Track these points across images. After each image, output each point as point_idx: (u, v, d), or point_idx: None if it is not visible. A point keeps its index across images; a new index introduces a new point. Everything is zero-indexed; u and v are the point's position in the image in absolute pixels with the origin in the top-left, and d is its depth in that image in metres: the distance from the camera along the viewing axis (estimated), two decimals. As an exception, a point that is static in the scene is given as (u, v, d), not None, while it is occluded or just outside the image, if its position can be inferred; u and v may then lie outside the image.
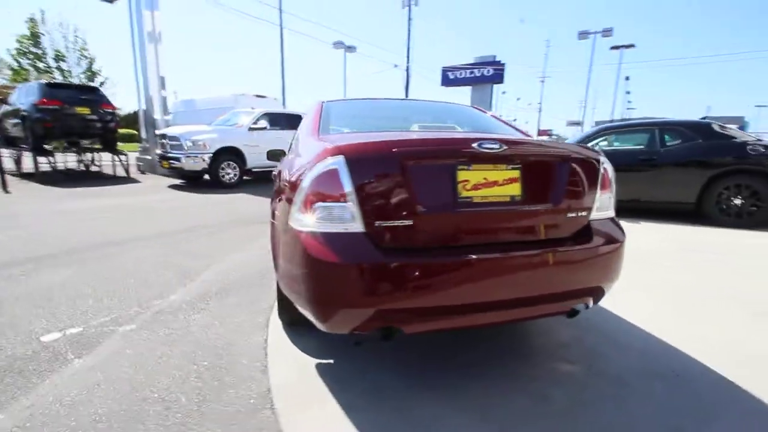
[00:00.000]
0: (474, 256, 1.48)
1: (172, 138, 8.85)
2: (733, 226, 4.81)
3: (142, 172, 11.38)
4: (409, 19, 28.12)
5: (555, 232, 1.68)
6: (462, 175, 1.55)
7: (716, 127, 5.37)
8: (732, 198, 4.90)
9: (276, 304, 2.51)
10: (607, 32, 21.83)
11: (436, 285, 1.47)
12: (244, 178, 9.41)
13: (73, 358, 1.99)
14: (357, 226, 1.47)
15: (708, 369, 1.89)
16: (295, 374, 1.86)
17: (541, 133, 51.06)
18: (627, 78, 26.78)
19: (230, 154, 9.02)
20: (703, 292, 2.88)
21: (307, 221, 1.52)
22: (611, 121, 26.13)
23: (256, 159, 9.36)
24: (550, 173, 1.66)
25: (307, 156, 1.69)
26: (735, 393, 1.71)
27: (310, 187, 1.52)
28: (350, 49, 27.81)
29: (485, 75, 32.98)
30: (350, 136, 2.01)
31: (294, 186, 1.65)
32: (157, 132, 9.88)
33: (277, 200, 1.99)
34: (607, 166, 1.80)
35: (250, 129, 9.29)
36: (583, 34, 22.27)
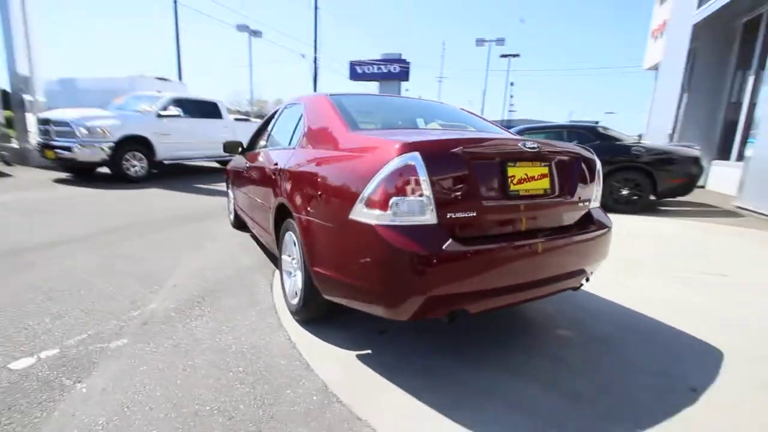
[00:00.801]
0: (524, 242, 1.70)
1: (60, 123, 7.44)
2: (623, 212, 5.98)
3: (8, 164, 9.32)
4: (316, 7, 27.63)
5: (571, 219, 2.00)
6: (510, 171, 1.75)
7: (603, 130, 6.60)
8: (621, 189, 6.08)
9: (283, 302, 2.45)
10: (500, 41, 24.55)
11: (498, 268, 1.65)
12: (153, 171, 8.38)
13: (72, 383, 1.70)
14: (431, 218, 1.57)
15: (659, 322, 2.43)
16: (340, 367, 1.87)
17: None
18: (512, 84, 30.17)
19: (136, 143, 7.94)
20: (623, 263, 3.59)
21: (381, 215, 1.57)
22: (509, 121, 29.29)
23: (167, 150, 8.43)
24: (569, 170, 1.97)
25: (364, 152, 1.73)
26: (685, 338, 2.26)
27: (385, 182, 1.56)
28: (255, 34, 26.19)
29: (392, 72, 34.16)
30: (402, 133, 2.02)
31: (354, 181, 1.67)
32: (39, 116, 8.17)
33: (308, 196, 1.95)
34: (599, 164, 2.18)
35: (159, 116, 8.30)
36: (480, 42, 24.67)
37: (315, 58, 30.18)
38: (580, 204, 2.03)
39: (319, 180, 1.90)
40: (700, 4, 8.61)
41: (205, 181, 8.56)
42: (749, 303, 2.79)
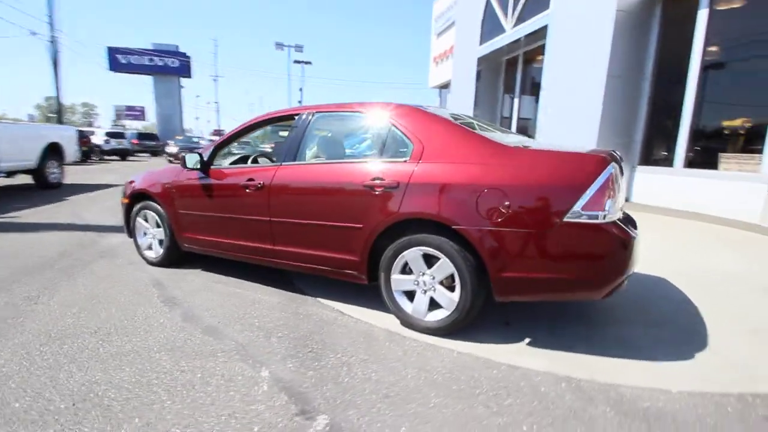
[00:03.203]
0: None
1: None
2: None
3: None
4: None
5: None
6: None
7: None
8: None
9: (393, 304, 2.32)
10: (299, 48, 25.00)
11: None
12: None
13: None
14: (620, 213, 1.99)
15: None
16: (546, 359, 2.05)
17: (215, 133, 50.97)
18: (300, 89, 31.42)
19: None
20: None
21: (599, 215, 1.88)
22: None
23: None
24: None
25: (559, 163, 1.99)
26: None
27: (600, 188, 1.87)
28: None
29: (170, 66, 29.48)
30: (558, 146, 2.26)
31: (563, 190, 1.91)
32: None
33: (488, 208, 2.00)
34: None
35: None
36: (279, 46, 24.47)
37: (53, 38, 22.88)
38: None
39: (507, 192, 1.98)
40: (481, 43, 11.65)
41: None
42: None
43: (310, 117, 2.74)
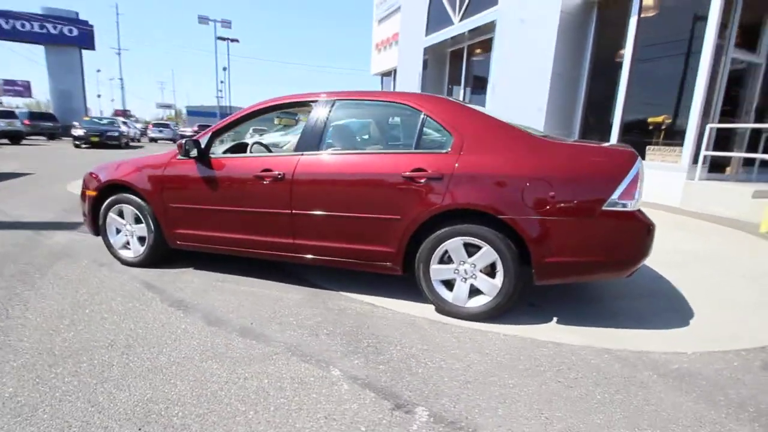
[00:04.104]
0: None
1: None
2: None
3: None
4: None
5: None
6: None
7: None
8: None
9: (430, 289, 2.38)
10: (226, 23, 22.93)
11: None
12: None
13: None
14: (639, 203, 2.25)
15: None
16: (576, 335, 2.25)
17: (117, 113, 45.48)
18: (224, 68, 29.28)
19: None
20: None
21: (631, 203, 2.10)
22: (225, 108, 28.19)
23: None
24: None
25: (594, 157, 2.17)
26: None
27: (632, 180, 2.09)
28: None
29: (67, 35, 25.20)
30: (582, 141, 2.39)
31: (601, 181, 2.10)
32: None
33: (535, 198, 2.12)
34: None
35: None
36: (203, 20, 22.17)
37: None
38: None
39: (551, 182, 2.11)
40: (427, 33, 11.84)
41: None
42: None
43: (330, 105, 2.62)
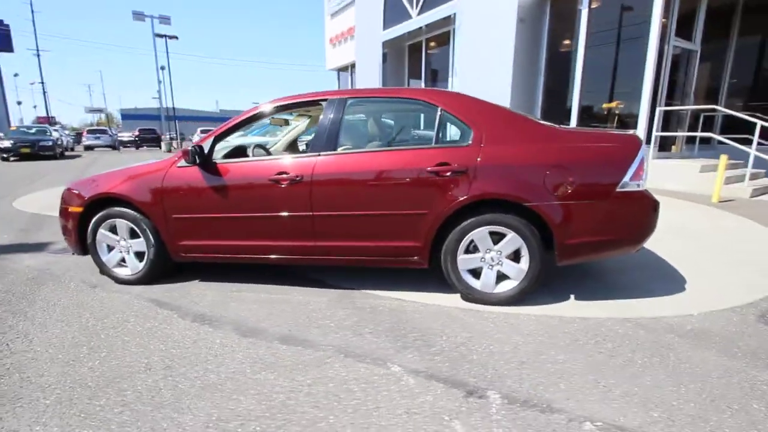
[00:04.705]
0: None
1: None
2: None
3: None
4: None
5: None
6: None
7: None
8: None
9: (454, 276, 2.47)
10: (164, 19, 21.31)
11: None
12: None
13: None
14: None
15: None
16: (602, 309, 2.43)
17: (41, 120, 41.41)
18: (163, 68, 27.56)
19: None
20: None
21: (640, 183, 2.29)
22: (169, 110, 26.60)
23: None
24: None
25: (604, 143, 2.33)
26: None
27: (640, 161, 2.28)
28: None
29: (-24, 34, 22.16)
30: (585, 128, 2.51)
31: (613, 164, 2.27)
32: None
33: (556, 183, 2.25)
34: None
35: None
36: (139, 16, 20.44)
37: None
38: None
39: (570, 168, 2.24)
40: (385, 27, 11.84)
41: None
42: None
43: (343, 103, 2.59)
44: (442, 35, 10.35)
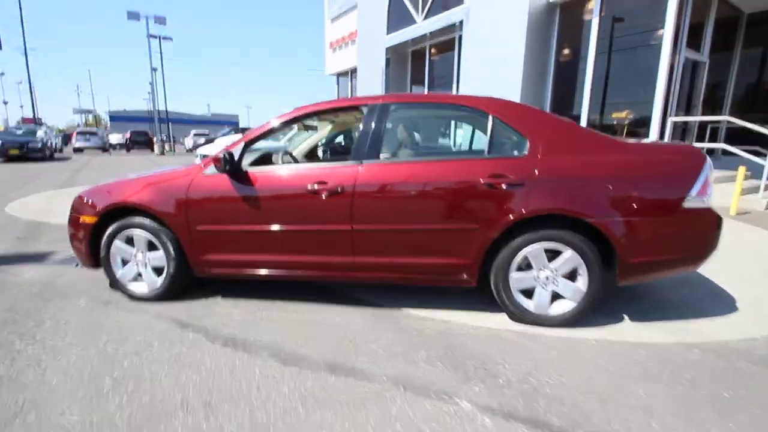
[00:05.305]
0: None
1: None
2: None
3: None
4: None
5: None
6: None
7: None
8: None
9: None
10: (160, 19, 20.88)
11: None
12: None
13: None
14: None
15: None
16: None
17: (26, 121, 40.48)
18: (155, 69, 27.14)
19: None
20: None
21: (705, 200, 2.16)
22: (161, 112, 26.15)
23: None
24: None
25: (667, 156, 2.20)
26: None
27: (705, 177, 2.15)
28: None
29: (-39, 31, 21.39)
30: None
31: (677, 179, 2.13)
32: None
33: (618, 198, 2.11)
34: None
35: None
36: (134, 16, 19.99)
37: None
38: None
39: (634, 181, 2.10)
40: (388, 32, 11.73)
41: None
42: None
43: (386, 109, 2.42)
44: (447, 41, 10.28)
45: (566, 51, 8.12)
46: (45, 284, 2.99)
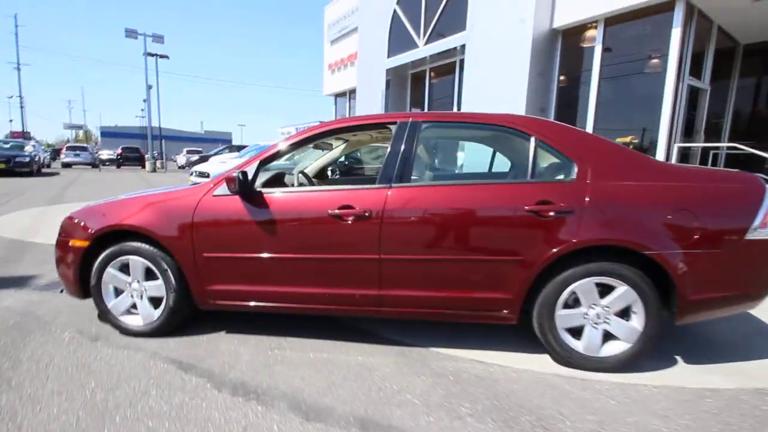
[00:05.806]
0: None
1: None
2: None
3: None
4: None
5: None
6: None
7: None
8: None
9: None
10: (158, 38, 20.84)
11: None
12: None
13: None
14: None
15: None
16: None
17: (15, 135, 39.86)
18: (150, 87, 27.03)
19: None
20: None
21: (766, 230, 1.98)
22: (154, 129, 25.86)
23: None
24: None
25: (725, 183, 2.03)
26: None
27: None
28: None
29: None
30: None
31: (739, 209, 1.96)
32: None
33: (678, 228, 1.92)
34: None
35: None
36: (131, 33, 19.92)
37: None
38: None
39: (694, 211, 1.91)
40: (389, 55, 11.81)
41: None
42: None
43: (417, 127, 2.22)
44: (448, 65, 10.33)
45: (569, 77, 8.16)
46: (24, 314, 2.66)
